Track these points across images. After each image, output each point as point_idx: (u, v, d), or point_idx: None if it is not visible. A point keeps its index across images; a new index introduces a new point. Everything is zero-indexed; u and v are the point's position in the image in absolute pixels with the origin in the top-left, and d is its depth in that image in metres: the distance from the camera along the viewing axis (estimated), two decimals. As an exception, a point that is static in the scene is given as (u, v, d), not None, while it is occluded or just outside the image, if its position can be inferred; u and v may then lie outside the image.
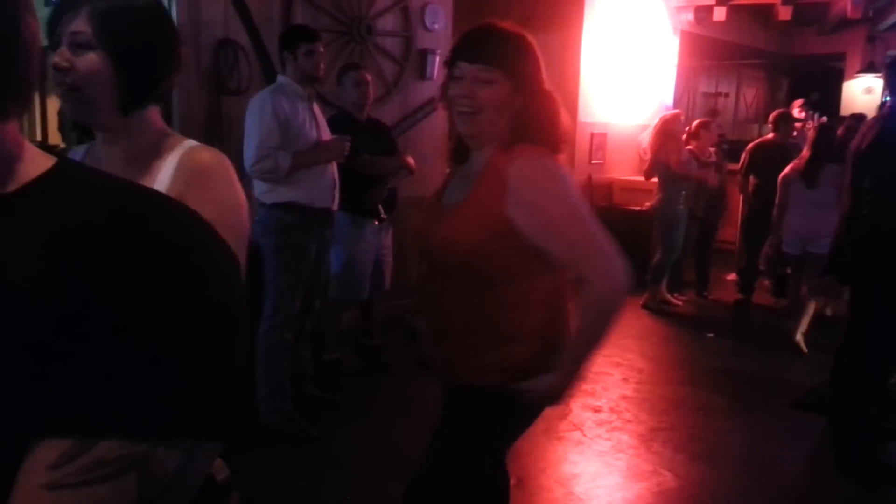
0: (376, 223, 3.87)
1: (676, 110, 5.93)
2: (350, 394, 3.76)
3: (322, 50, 3.27)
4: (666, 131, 5.54)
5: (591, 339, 1.55)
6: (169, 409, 0.56)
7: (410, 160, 3.96)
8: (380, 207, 3.84)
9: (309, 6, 4.37)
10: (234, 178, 1.30)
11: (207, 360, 0.59)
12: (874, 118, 3.23)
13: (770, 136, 5.90)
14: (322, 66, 3.27)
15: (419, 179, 4.21)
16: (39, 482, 0.54)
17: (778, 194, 4.84)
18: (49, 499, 0.54)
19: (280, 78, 3.30)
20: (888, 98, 3.09)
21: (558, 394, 1.60)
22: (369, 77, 3.87)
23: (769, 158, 5.73)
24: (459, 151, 1.71)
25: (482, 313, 1.59)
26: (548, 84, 1.64)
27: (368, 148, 3.64)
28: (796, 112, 5.92)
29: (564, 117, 1.65)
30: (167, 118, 4.09)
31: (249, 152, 3.11)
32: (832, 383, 3.31)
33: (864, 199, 3.02)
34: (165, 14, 1.28)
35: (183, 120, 3.95)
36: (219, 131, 3.99)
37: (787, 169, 4.86)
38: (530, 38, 1.62)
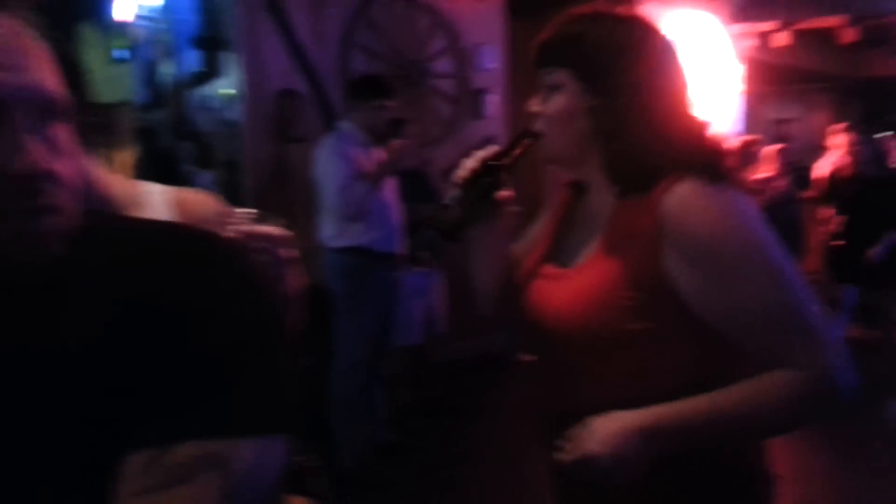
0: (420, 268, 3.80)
1: (755, 136, 5.77)
2: (427, 438, 3.71)
3: (393, 105, 3.24)
4: (743, 156, 5.40)
5: (733, 426, 1.02)
6: (236, 410, 0.62)
7: None
8: (424, 253, 3.77)
9: (365, 53, 4.51)
10: None
11: (258, 362, 0.65)
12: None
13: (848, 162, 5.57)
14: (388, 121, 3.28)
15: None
16: (131, 490, 0.60)
17: None
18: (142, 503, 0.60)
19: (342, 124, 3.33)
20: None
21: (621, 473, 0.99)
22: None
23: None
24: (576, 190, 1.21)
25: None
26: (677, 90, 1.10)
27: (408, 196, 3.56)
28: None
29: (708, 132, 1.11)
30: (234, 167, 4.28)
31: (330, 192, 3.11)
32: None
33: None
34: None
35: (252, 167, 4.14)
36: (284, 178, 4.14)
37: None
38: (644, 21, 1.11)
